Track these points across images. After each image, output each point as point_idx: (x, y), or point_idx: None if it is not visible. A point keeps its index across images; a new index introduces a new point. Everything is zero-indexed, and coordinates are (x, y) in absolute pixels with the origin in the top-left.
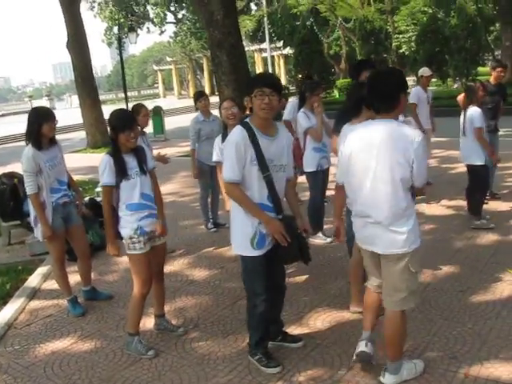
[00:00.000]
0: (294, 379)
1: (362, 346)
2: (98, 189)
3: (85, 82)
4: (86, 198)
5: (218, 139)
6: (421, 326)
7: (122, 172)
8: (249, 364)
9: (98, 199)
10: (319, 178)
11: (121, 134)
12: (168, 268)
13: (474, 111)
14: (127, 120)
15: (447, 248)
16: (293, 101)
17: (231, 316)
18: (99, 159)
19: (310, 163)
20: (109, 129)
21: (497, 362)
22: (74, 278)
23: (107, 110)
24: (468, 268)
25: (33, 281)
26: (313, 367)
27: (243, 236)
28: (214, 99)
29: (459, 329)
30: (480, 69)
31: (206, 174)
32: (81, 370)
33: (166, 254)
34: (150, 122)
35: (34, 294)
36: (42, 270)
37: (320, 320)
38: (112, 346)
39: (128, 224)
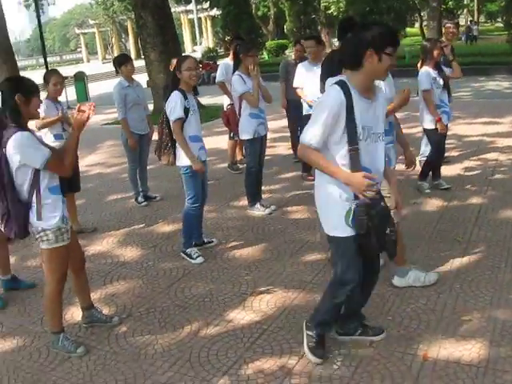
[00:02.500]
0: (242, 372)
1: None
2: None
3: (0, 47)
4: None
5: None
6: (373, 305)
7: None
8: (190, 358)
9: None
10: (257, 145)
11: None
12: (96, 249)
13: (421, 72)
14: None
15: None
16: (225, 62)
17: (168, 301)
18: None
19: (246, 130)
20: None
21: (455, 341)
22: None
23: (30, 77)
24: (414, 237)
25: None
26: (261, 357)
27: (339, 215)
28: (140, 63)
29: (413, 305)
30: (408, 29)
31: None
32: (1, 374)
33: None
34: (72, 90)
35: None
36: None
37: (264, 302)
38: (36, 344)
39: (56, 213)
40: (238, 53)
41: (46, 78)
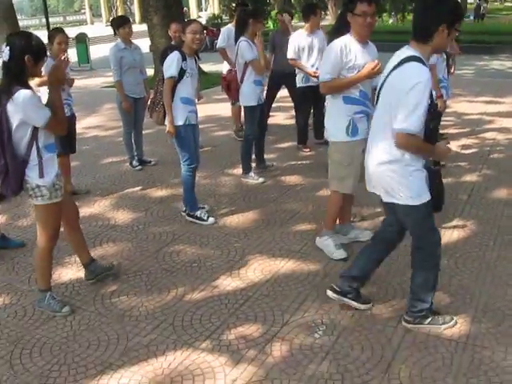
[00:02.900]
0: (224, 337)
1: None
2: None
3: (1, 5)
4: None
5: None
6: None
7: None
8: (174, 321)
9: None
10: (257, 112)
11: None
12: (87, 211)
13: None
14: None
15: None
16: (228, 27)
17: (156, 265)
18: None
19: (250, 97)
20: None
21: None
22: None
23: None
24: None
25: None
26: (244, 323)
27: (421, 183)
28: (144, 27)
29: (398, 278)
30: None
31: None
32: None
33: None
34: (74, 52)
35: None
36: None
37: (251, 269)
38: (22, 302)
39: (51, 169)
40: (244, 19)
41: (51, 37)
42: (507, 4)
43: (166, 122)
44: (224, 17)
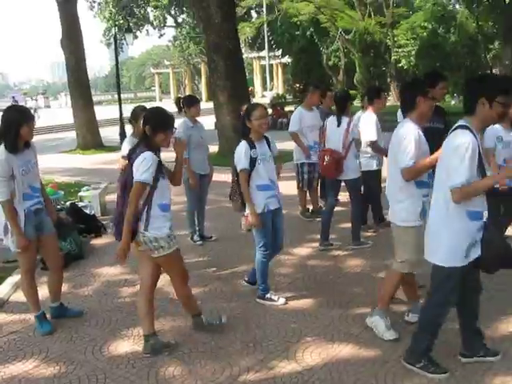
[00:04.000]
0: None
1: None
2: (82, 193)
3: (78, 82)
4: (68, 203)
5: None
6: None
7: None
8: None
9: (81, 204)
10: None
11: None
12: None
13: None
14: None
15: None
16: (299, 110)
17: (211, 343)
18: (89, 161)
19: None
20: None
21: None
22: (45, 289)
23: (104, 111)
24: None
25: (2, 291)
26: None
27: (456, 246)
28: (209, 105)
29: None
30: None
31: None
32: None
33: None
34: None
35: (2, 305)
36: (13, 279)
37: (308, 352)
38: (78, 372)
39: (164, 224)
40: (372, 96)
41: (135, 115)
42: None
43: (247, 212)
44: (288, 96)
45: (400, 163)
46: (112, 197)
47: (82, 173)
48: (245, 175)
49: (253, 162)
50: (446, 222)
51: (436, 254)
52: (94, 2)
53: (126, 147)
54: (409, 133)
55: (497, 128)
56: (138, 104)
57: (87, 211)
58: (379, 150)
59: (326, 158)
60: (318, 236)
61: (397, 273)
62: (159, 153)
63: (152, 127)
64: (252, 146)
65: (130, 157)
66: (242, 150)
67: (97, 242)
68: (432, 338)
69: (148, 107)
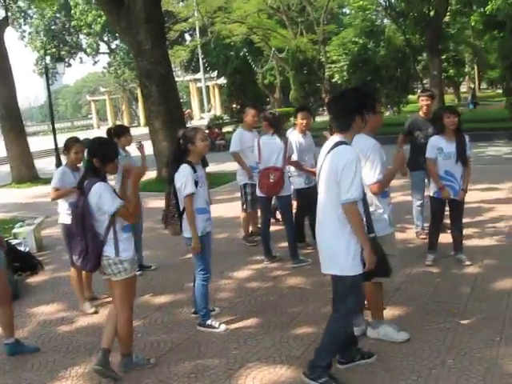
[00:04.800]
0: None
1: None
2: (16, 230)
3: (8, 114)
4: None
5: None
6: (362, 381)
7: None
8: None
9: (15, 242)
10: None
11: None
12: (84, 320)
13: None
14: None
15: (385, 286)
16: (240, 131)
17: (152, 377)
18: (24, 195)
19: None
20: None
21: None
22: None
23: (41, 142)
24: (408, 309)
25: None
26: None
27: (353, 255)
28: (147, 130)
29: (403, 382)
30: (410, 96)
31: None
32: None
33: None
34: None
35: None
36: None
37: (250, 378)
38: None
39: (130, 246)
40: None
41: (68, 146)
42: (499, 91)
43: (185, 235)
44: (225, 117)
45: (367, 180)
46: (48, 231)
47: (18, 208)
48: (192, 200)
49: (196, 185)
50: (341, 233)
51: (337, 264)
52: (24, 31)
53: (57, 178)
54: (375, 147)
55: (438, 139)
56: (73, 134)
57: (22, 248)
58: (300, 168)
59: (272, 176)
60: (259, 257)
61: (369, 283)
62: (106, 180)
63: (101, 160)
64: (194, 169)
65: (81, 187)
66: (187, 174)
67: (33, 279)
68: (335, 354)
69: (81, 138)
